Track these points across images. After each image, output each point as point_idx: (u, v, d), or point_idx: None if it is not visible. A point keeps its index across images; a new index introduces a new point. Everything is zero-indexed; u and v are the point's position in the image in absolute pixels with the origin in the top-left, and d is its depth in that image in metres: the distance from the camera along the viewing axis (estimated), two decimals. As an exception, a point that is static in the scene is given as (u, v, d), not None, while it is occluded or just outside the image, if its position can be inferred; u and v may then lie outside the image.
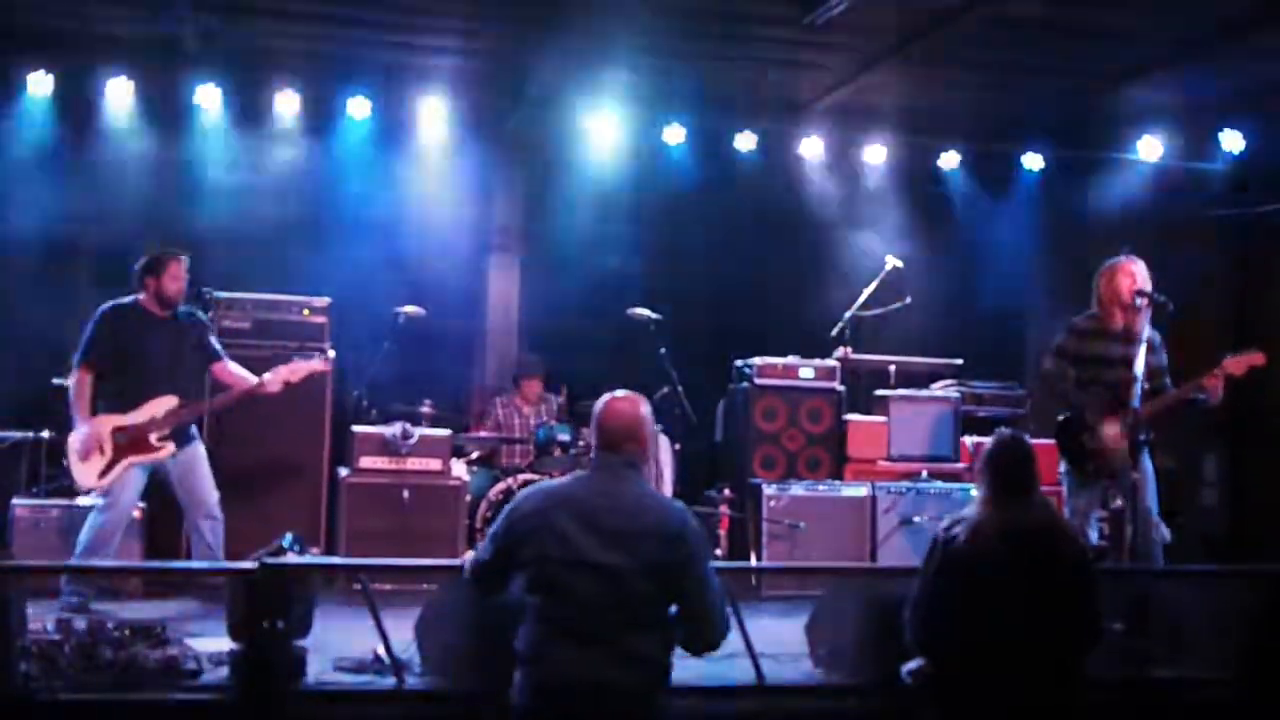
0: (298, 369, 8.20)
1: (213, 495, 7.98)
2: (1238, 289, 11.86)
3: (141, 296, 7.94)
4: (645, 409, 4.84)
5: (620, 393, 4.91)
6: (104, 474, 7.75)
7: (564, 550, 4.50)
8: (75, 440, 7.79)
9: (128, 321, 7.91)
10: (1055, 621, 5.05)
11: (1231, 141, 11.25)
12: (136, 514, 8.21)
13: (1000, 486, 5.25)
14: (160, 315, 7.94)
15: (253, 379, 8.11)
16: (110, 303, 7.97)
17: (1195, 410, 7.89)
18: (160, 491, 8.10)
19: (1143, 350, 7.52)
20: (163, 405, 7.81)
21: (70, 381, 7.88)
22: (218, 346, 8.25)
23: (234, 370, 8.19)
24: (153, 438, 7.79)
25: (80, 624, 6.30)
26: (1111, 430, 7.58)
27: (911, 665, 5.38)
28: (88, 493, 8.08)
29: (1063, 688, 5.09)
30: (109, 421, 7.77)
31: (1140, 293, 7.67)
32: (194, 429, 8.10)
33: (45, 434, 8.77)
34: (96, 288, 8.31)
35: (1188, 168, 11.65)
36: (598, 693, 4.42)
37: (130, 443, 7.76)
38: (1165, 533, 7.60)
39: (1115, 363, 7.71)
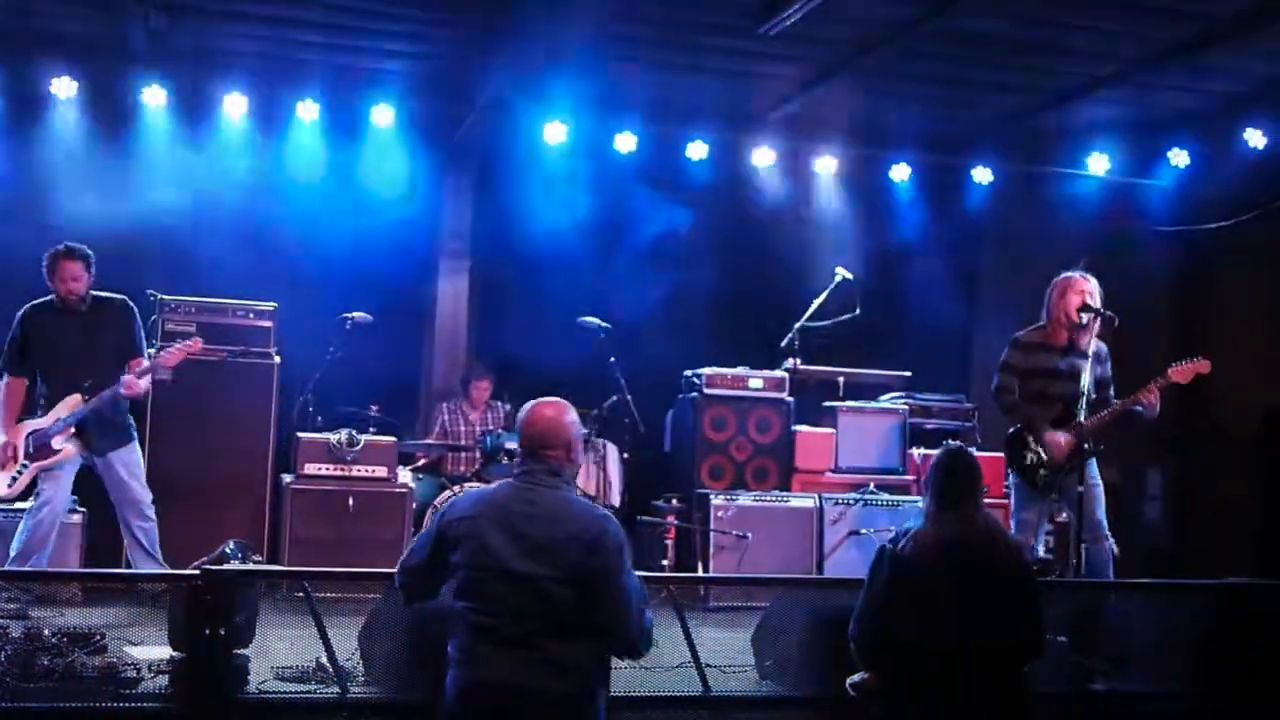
0: (166, 358, 8.01)
1: (145, 495, 7.89)
2: (1182, 304, 11.97)
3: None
4: (570, 415, 4.82)
5: (545, 399, 4.89)
6: (12, 483, 7.68)
7: (487, 558, 4.51)
8: None
9: (42, 320, 7.82)
10: (997, 633, 5.06)
11: (1178, 158, 11.37)
12: (76, 519, 8.10)
13: (943, 498, 5.27)
14: (72, 311, 7.80)
15: (127, 375, 7.82)
16: (29, 304, 7.90)
17: (1137, 423, 7.94)
18: (99, 495, 8.01)
19: (1089, 364, 7.56)
20: (68, 405, 7.72)
21: None
22: (138, 341, 8.04)
23: (138, 367, 7.93)
24: (54, 441, 7.69)
25: (16, 631, 6.18)
26: (1058, 441, 7.62)
27: (856, 678, 5.38)
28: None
29: (1006, 699, 5.10)
30: (25, 428, 7.72)
31: (1087, 308, 7.71)
32: (131, 428, 7.98)
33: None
34: (34, 289, 8.17)
35: (1135, 183, 11.76)
36: (523, 697, 4.43)
37: (38, 448, 7.69)
38: (1113, 546, 7.64)
39: (1062, 376, 7.76)
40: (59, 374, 7.78)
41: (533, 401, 4.87)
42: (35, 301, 7.90)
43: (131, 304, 8.15)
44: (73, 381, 7.74)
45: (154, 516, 7.89)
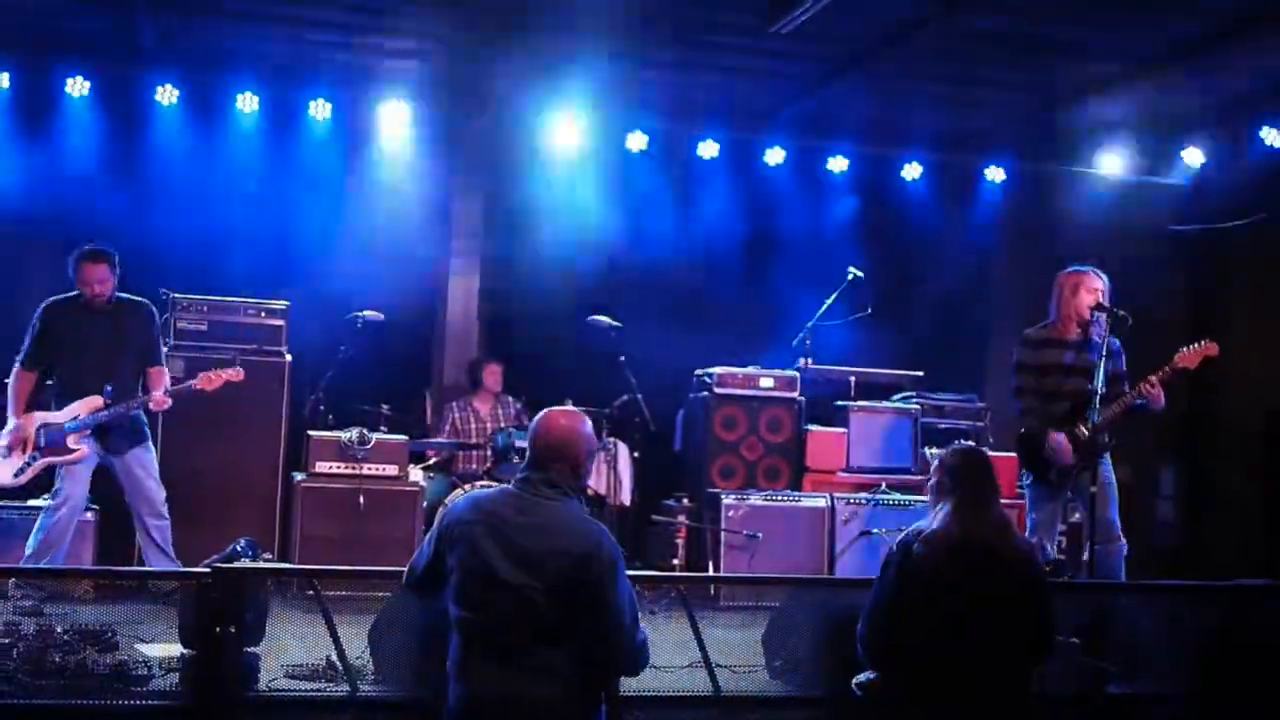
0: (206, 381, 8.05)
1: (160, 493, 7.93)
2: (1195, 303, 11.92)
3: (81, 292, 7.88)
4: (584, 429, 4.74)
5: (561, 408, 4.87)
6: (20, 473, 7.70)
7: (477, 564, 4.49)
8: (3, 436, 7.76)
9: (65, 316, 7.86)
10: (1006, 634, 5.04)
11: (1191, 157, 11.33)
12: (89, 516, 8.12)
13: (952, 497, 5.24)
14: (97, 309, 7.84)
15: (156, 392, 7.93)
16: (51, 298, 7.93)
17: (1150, 420, 7.88)
18: (113, 492, 8.04)
19: (1101, 360, 7.50)
20: (87, 405, 7.74)
21: (11, 377, 7.85)
22: (157, 348, 8.11)
23: (162, 378, 8.03)
24: (70, 439, 7.71)
25: (28, 628, 6.20)
26: (1063, 447, 7.55)
27: (861, 678, 5.36)
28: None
29: (1013, 701, 5.08)
30: (38, 419, 7.74)
31: (1099, 307, 7.67)
32: (145, 429, 8.02)
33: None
34: (50, 287, 8.21)
35: (1148, 182, 11.72)
36: (516, 707, 4.40)
37: (50, 443, 7.71)
38: (1124, 546, 7.58)
39: (1073, 372, 7.71)
40: (78, 372, 7.81)
41: (551, 409, 4.81)
42: (58, 296, 7.92)
43: (153, 308, 8.23)
44: (91, 380, 7.77)
45: (167, 515, 7.94)
